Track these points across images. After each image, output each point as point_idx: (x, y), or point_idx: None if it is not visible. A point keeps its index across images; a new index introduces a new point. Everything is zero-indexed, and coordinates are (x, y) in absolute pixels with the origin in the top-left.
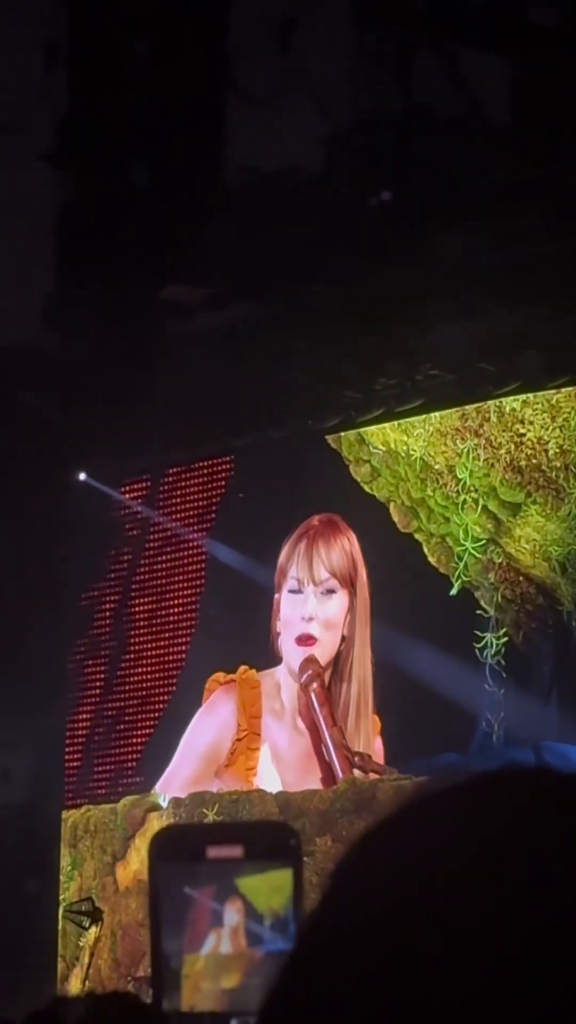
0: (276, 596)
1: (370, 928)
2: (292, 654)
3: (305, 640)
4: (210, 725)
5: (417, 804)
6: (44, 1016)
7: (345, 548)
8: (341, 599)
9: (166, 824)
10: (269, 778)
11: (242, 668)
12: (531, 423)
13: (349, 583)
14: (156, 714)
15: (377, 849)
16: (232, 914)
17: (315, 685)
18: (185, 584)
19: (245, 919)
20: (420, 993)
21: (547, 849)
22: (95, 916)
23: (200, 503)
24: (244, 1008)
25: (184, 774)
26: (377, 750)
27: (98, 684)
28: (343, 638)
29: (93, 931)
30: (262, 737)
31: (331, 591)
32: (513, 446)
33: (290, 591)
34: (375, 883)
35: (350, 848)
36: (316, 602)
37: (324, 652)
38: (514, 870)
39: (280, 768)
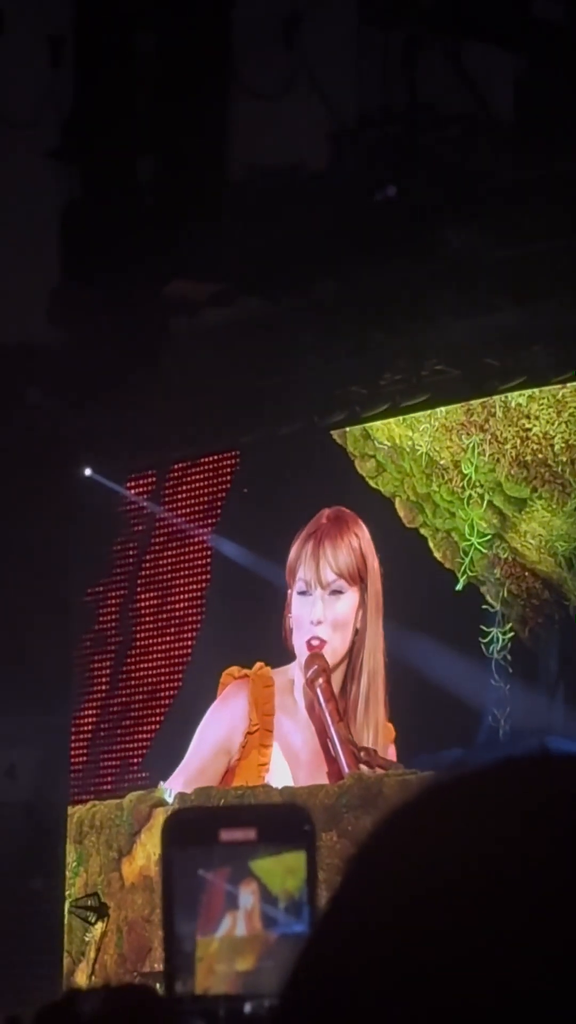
0: (289, 592)
1: (388, 917)
2: (303, 655)
3: (314, 646)
4: (222, 718)
5: (435, 793)
6: (59, 1008)
7: (353, 546)
8: (351, 597)
9: (178, 807)
10: (281, 775)
11: (257, 665)
12: (537, 418)
13: (358, 579)
14: (162, 710)
15: (396, 837)
16: (247, 896)
17: (321, 680)
18: (190, 579)
19: (260, 901)
20: (437, 983)
21: (556, 841)
22: (101, 912)
23: (205, 498)
24: (259, 991)
25: (195, 765)
26: (390, 757)
27: (103, 679)
28: (356, 631)
29: (99, 927)
30: (274, 734)
31: (339, 592)
32: (519, 441)
33: (299, 592)
34: (394, 871)
35: (369, 834)
36: (324, 605)
37: (334, 650)
38: (530, 857)
39: (293, 765)
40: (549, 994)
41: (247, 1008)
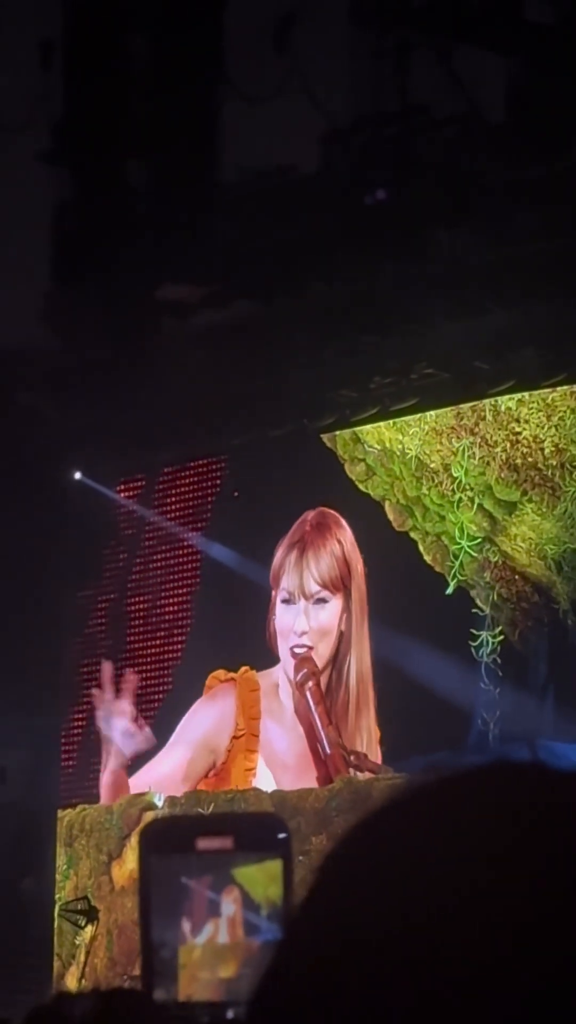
0: (273, 594)
1: (358, 920)
2: (287, 662)
3: (298, 654)
4: (210, 715)
5: (405, 799)
6: (47, 1012)
7: (336, 553)
8: (335, 605)
9: (155, 816)
10: (267, 779)
11: (243, 669)
12: (527, 421)
13: (342, 586)
14: (152, 713)
15: (365, 842)
16: (229, 904)
17: (310, 684)
18: (181, 583)
19: (242, 909)
20: (407, 984)
21: (533, 845)
22: (91, 915)
23: (195, 502)
24: (241, 998)
25: (179, 756)
26: (375, 758)
27: (93, 683)
28: (340, 634)
29: (89, 930)
30: (260, 739)
31: (323, 600)
32: (509, 444)
33: (283, 601)
34: (363, 876)
35: (339, 841)
36: (307, 616)
37: (320, 656)
38: (499, 864)
39: (278, 770)
40: (527, 1001)
41: (230, 1014)
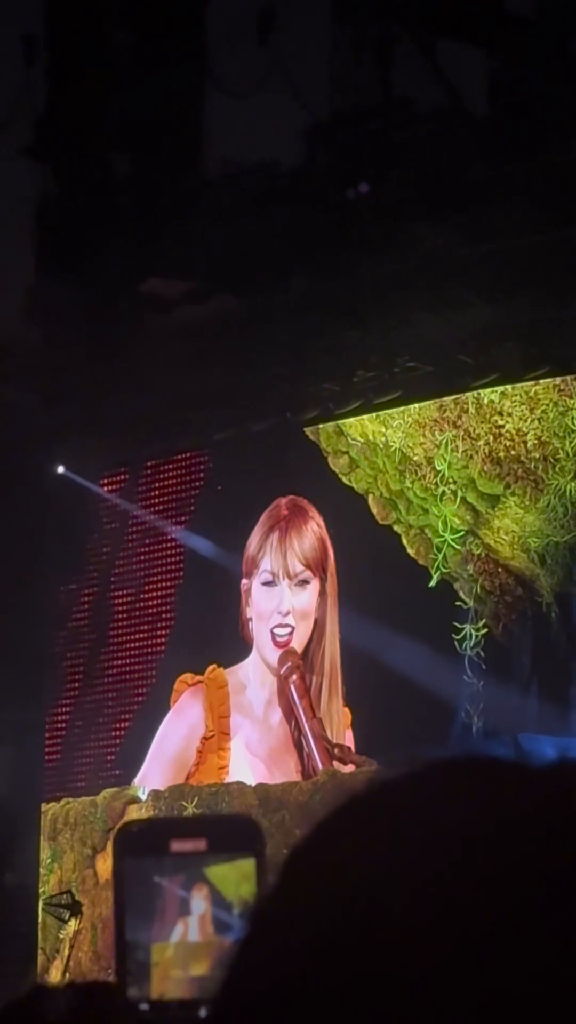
0: (244, 582)
1: (320, 917)
2: (267, 647)
3: (282, 639)
4: (178, 729)
5: (368, 793)
6: (23, 1006)
7: (316, 534)
8: (313, 588)
9: (128, 819)
10: (241, 774)
11: (210, 668)
12: (510, 415)
13: (320, 569)
14: (135, 706)
15: (327, 838)
16: (199, 902)
17: (295, 677)
18: (164, 577)
19: (212, 907)
20: (368, 980)
21: (496, 838)
22: (75, 909)
23: (178, 496)
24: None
25: (157, 779)
26: (348, 741)
27: (77, 677)
28: (315, 622)
29: (73, 924)
30: (231, 735)
31: (305, 582)
32: (492, 438)
33: (264, 583)
34: (325, 870)
35: (302, 837)
36: (291, 595)
37: (300, 642)
38: (459, 858)
39: (252, 763)
40: (504, 1004)
41: (202, 1012)
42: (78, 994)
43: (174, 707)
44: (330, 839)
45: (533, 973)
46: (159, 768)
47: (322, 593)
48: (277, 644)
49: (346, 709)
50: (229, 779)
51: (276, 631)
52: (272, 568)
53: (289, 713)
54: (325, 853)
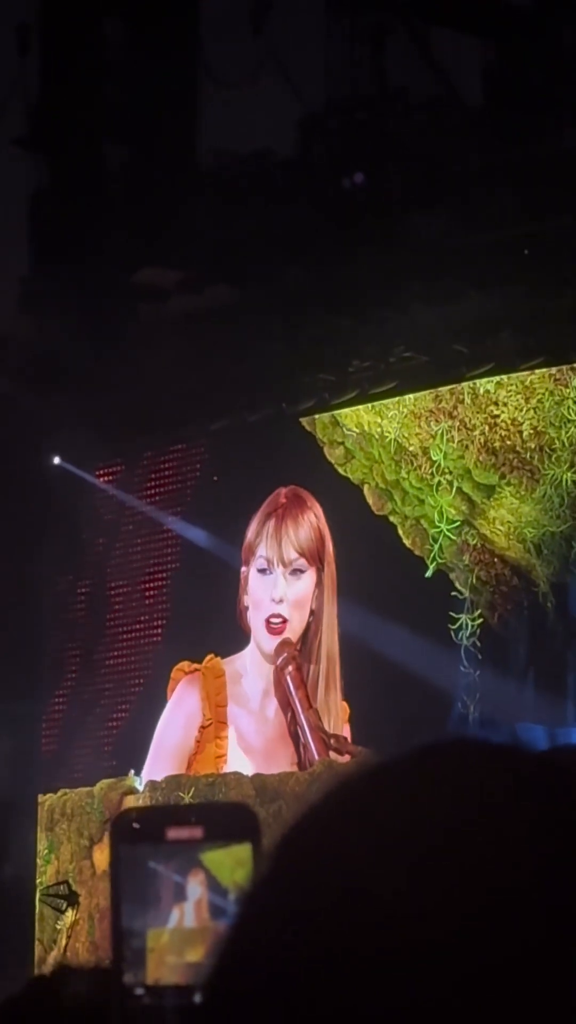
0: (243, 570)
1: (313, 901)
2: (262, 635)
3: (276, 626)
4: (177, 719)
5: (358, 778)
6: (47, 984)
7: (313, 523)
8: (309, 577)
9: (124, 808)
10: (238, 764)
11: (208, 657)
12: (505, 405)
13: (317, 559)
14: (132, 697)
15: (320, 822)
16: (195, 887)
17: (290, 668)
18: (160, 567)
19: (208, 892)
20: (358, 968)
21: (489, 821)
22: (72, 900)
23: (175, 486)
24: None
25: (160, 770)
26: (345, 736)
27: (74, 668)
28: (311, 613)
29: (70, 914)
30: (228, 724)
31: (300, 570)
32: (487, 428)
33: (259, 570)
34: (318, 856)
35: (294, 822)
36: (285, 583)
37: (293, 630)
38: (452, 841)
39: (248, 754)
40: (494, 986)
41: (197, 998)
42: (102, 975)
43: (172, 697)
44: (322, 824)
45: (526, 955)
46: (161, 759)
47: (319, 584)
48: (271, 632)
49: (344, 704)
50: (226, 769)
51: (271, 619)
52: (267, 555)
53: (285, 704)
54: (317, 837)
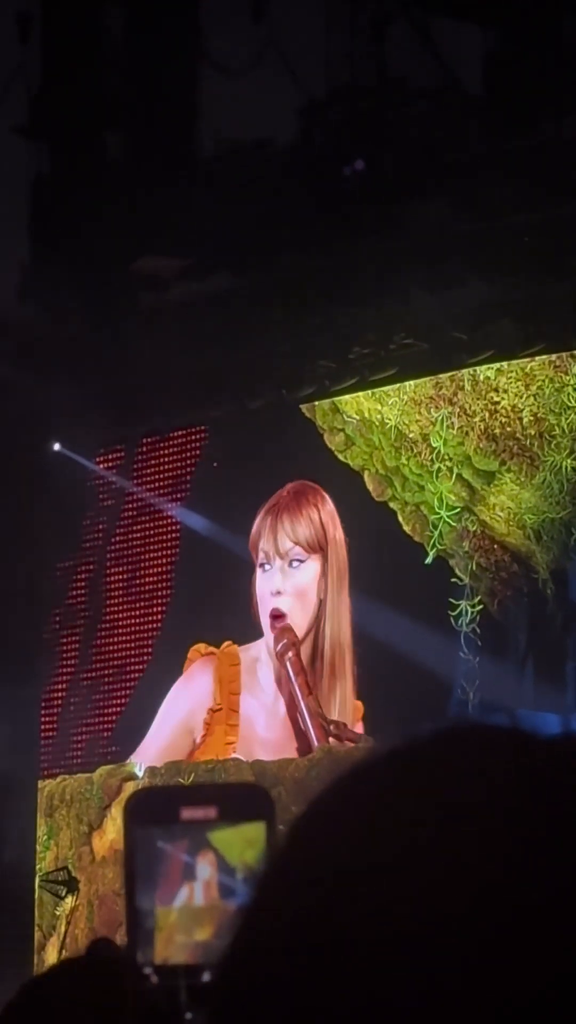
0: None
1: (323, 882)
2: (266, 628)
3: (275, 617)
4: (186, 695)
5: (372, 761)
6: (102, 947)
7: (312, 517)
8: (311, 567)
9: (138, 787)
10: (248, 751)
11: (225, 643)
12: (505, 391)
13: (318, 548)
14: (131, 684)
15: (333, 806)
16: (204, 867)
17: (290, 654)
18: (160, 554)
19: (217, 872)
20: (369, 945)
21: (500, 809)
22: (71, 886)
23: (175, 473)
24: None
25: (159, 743)
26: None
27: (73, 654)
28: (319, 602)
29: (69, 900)
30: (240, 714)
31: (299, 560)
32: (487, 414)
33: (260, 565)
34: (329, 838)
35: (307, 806)
36: (283, 575)
37: (298, 621)
38: (460, 824)
39: (257, 745)
40: (497, 975)
41: (205, 977)
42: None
43: (184, 675)
44: (333, 807)
45: (532, 937)
46: (162, 733)
47: (324, 574)
48: (271, 626)
49: (358, 703)
50: (235, 755)
51: (271, 613)
52: (265, 549)
53: (286, 690)
54: (328, 820)
